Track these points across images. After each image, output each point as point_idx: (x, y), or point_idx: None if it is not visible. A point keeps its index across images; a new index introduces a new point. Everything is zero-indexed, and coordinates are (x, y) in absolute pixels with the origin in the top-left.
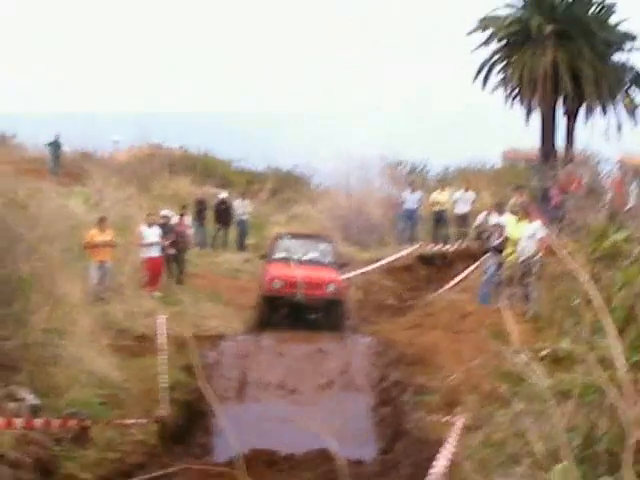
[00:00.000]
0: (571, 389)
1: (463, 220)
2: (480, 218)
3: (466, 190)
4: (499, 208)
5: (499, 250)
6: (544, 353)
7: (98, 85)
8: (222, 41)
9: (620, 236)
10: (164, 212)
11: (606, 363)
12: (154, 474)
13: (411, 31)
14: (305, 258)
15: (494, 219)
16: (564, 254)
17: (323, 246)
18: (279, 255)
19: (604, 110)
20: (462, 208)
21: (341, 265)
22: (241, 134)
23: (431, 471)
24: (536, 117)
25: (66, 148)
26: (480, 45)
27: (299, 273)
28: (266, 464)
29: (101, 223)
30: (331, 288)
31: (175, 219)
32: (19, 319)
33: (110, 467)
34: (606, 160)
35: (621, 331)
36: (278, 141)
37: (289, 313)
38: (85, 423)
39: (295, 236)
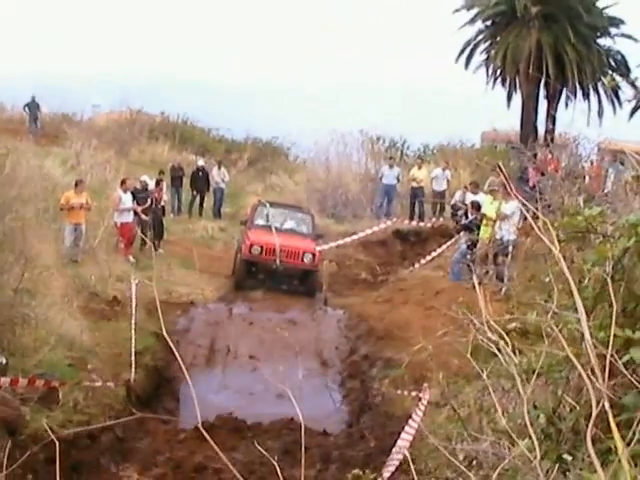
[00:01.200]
0: (538, 366)
1: (440, 197)
2: (456, 196)
3: (444, 168)
4: (474, 187)
5: (472, 228)
6: (512, 326)
7: (80, 47)
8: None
9: (593, 212)
10: (143, 177)
11: (574, 339)
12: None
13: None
14: (284, 227)
15: (469, 197)
16: (538, 233)
17: (301, 216)
18: (259, 222)
19: (586, 95)
20: (439, 186)
21: (317, 236)
22: (223, 104)
23: (396, 444)
24: (517, 99)
25: (45, 109)
26: (465, 24)
27: (278, 241)
28: (231, 431)
29: (78, 185)
30: (308, 258)
31: (152, 185)
32: None
33: (75, 429)
34: (585, 144)
35: (591, 309)
36: (259, 113)
37: (265, 279)
38: (53, 384)
39: (275, 205)
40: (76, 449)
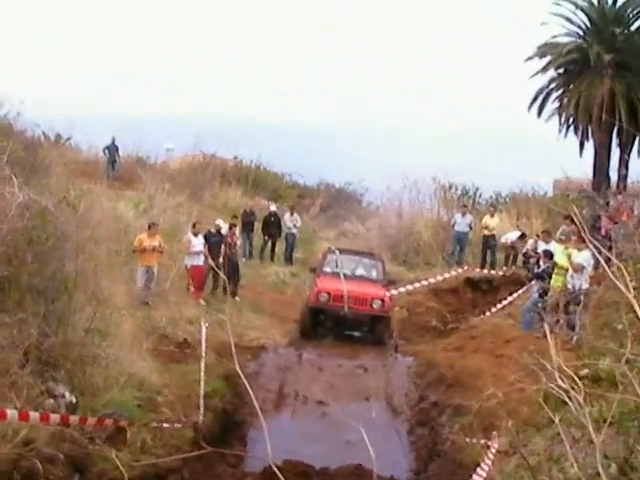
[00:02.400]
0: (610, 415)
1: (512, 247)
2: (529, 245)
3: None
4: (546, 235)
5: (544, 277)
6: (584, 373)
7: (159, 89)
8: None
9: None
10: (217, 221)
11: None
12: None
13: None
14: (354, 273)
15: (542, 246)
16: (612, 278)
17: (372, 263)
18: (328, 269)
19: None
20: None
21: (389, 282)
22: (295, 146)
23: None
24: (589, 147)
25: (120, 153)
26: (538, 72)
27: (346, 287)
28: (299, 475)
29: (151, 228)
30: (377, 304)
31: (225, 229)
32: (62, 317)
33: (143, 469)
34: None
35: None
36: (332, 156)
37: (334, 326)
38: (121, 423)
39: (345, 251)
40: None
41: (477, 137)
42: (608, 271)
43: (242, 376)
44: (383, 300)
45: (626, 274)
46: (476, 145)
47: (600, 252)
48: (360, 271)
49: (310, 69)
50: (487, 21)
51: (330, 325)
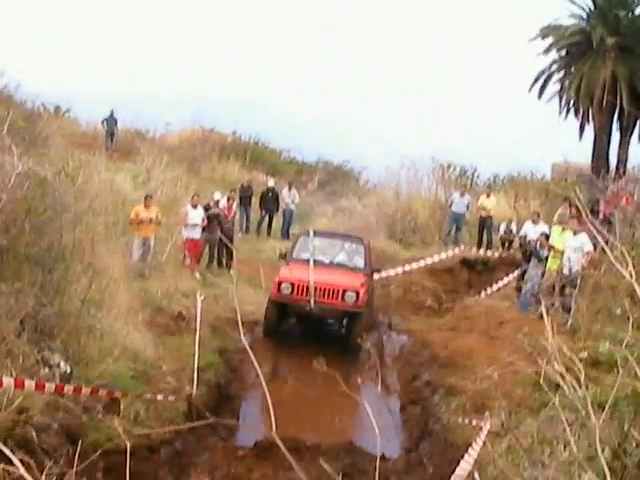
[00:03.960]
0: (605, 399)
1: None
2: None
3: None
4: (536, 217)
5: (541, 259)
6: (583, 355)
7: (154, 68)
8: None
9: None
10: (216, 194)
11: None
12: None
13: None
14: (331, 260)
15: (529, 227)
16: (613, 262)
17: (354, 247)
18: (300, 255)
19: None
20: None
21: (373, 271)
22: (293, 125)
23: (455, 473)
24: (590, 131)
25: (119, 126)
26: (540, 53)
27: (314, 277)
28: (290, 451)
29: (147, 200)
30: (350, 297)
31: (223, 202)
32: (58, 287)
33: (135, 441)
34: None
35: None
36: (330, 136)
37: (300, 324)
38: (115, 394)
39: (322, 234)
40: (135, 460)
41: (477, 120)
42: (610, 254)
43: (245, 341)
44: (358, 293)
45: (628, 258)
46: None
47: (600, 236)
48: (340, 257)
49: (310, 69)
50: (487, 20)
51: (296, 322)
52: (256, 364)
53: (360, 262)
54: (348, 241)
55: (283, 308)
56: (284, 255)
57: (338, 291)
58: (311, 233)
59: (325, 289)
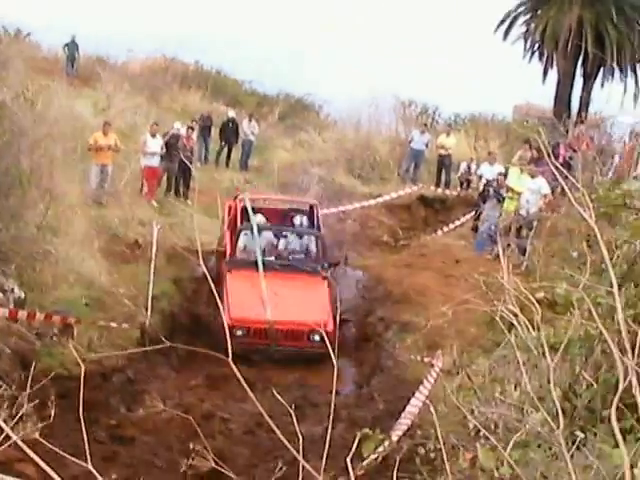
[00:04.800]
0: (558, 341)
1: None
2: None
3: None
4: (492, 158)
5: (499, 199)
6: (540, 296)
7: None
8: None
9: (633, 186)
10: (176, 125)
11: (599, 316)
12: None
13: None
14: (281, 263)
15: (486, 168)
16: (574, 204)
17: (306, 240)
18: (245, 256)
19: (624, 76)
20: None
21: (331, 265)
22: (256, 58)
23: (406, 410)
24: (553, 75)
25: (81, 52)
26: None
27: (271, 314)
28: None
29: (105, 127)
30: (318, 337)
31: (182, 132)
32: (14, 213)
33: (88, 367)
34: (619, 125)
35: (619, 287)
36: (290, 68)
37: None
38: (68, 321)
39: (268, 228)
40: (87, 387)
41: (439, 58)
42: (571, 196)
43: (204, 267)
44: (326, 331)
45: (588, 201)
46: (439, 66)
47: (561, 177)
48: (291, 252)
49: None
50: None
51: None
52: (214, 291)
53: (316, 257)
54: (297, 232)
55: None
56: (221, 253)
57: (302, 332)
58: (255, 227)
59: (287, 330)
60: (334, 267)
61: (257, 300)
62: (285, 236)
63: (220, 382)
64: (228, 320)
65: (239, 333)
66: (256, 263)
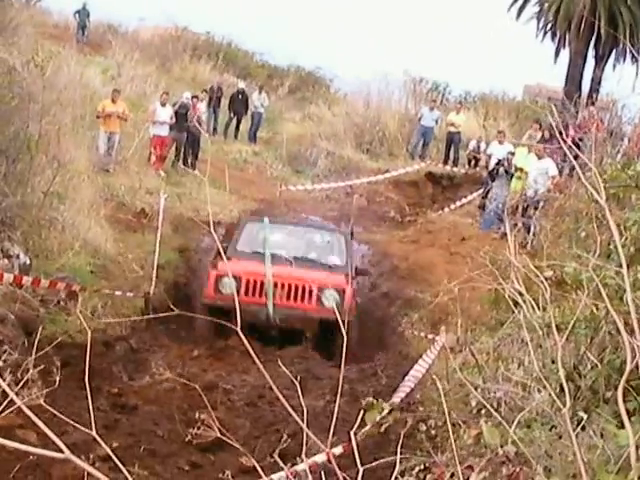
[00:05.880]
0: (563, 321)
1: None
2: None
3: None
4: (501, 136)
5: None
6: (548, 274)
7: None
8: None
9: None
10: (186, 94)
11: (610, 293)
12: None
13: None
14: (294, 256)
15: (493, 146)
16: (585, 183)
17: (327, 239)
18: (247, 249)
19: (635, 59)
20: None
21: (358, 273)
22: (267, 27)
23: (406, 378)
24: (565, 55)
25: (92, 19)
26: None
27: (272, 270)
28: (245, 353)
29: (114, 94)
30: (330, 299)
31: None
32: (21, 178)
33: (91, 335)
34: (630, 107)
35: (628, 267)
36: (304, 41)
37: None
38: (73, 288)
39: (280, 222)
40: (90, 355)
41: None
42: (582, 176)
43: (219, 243)
44: (342, 291)
45: (600, 181)
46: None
47: (571, 155)
48: (308, 253)
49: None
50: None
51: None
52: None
53: (338, 259)
54: (319, 232)
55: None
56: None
57: (311, 289)
58: (266, 220)
59: (291, 286)
60: (365, 274)
61: (254, 264)
62: (300, 232)
63: (223, 353)
64: (214, 273)
65: (226, 290)
66: (260, 255)
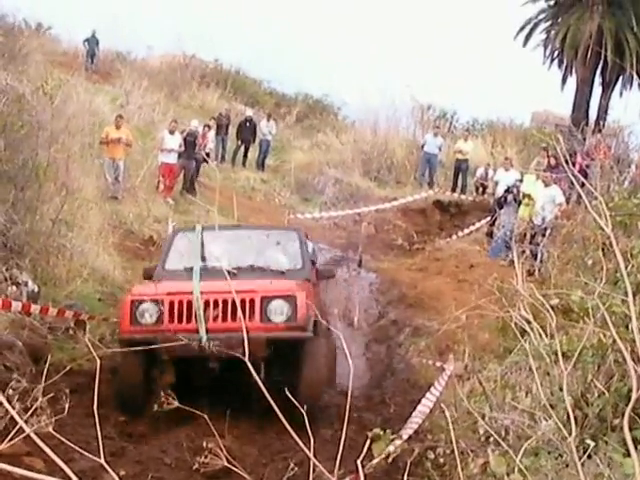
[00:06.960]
0: (570, 348)
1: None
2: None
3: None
4: (508, 164)
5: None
6: (554, 302)
7: None
8: None
9: None
10: (193, 122)
11: (616, 321)
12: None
13: None
14: (237, 266)
15: (499, 174)
16: (590, 211)
17: (277, 240)
18: (178, 266)
19: None
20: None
21: (321, 276)
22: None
23: (416, 409)
24: (572, 83)
25: (100, 47)
26: (527, 1)
27: (201, 287)
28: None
29: (117, 120)
30: (279, 310)
31: (200, 130)
32: (30, 205)
33: (99, 363)
34: (637, 135)
35: (634, 295)
36: (311, 68)
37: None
38: (81, 317)
39: (215, 229)
40: (99, 383)
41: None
42: (588, 204)
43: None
44: (294, 301)
45: (605, 209)
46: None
47: (577, 184)
48: (252, 260)
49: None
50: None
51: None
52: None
53: (290, 263)
54: (265, 233)
55: (147, 354)
56: (149, 272)
57: (253, 302)
58: (198, 228)
59: (227, 302)
60: (329, 277)
61: (180, 282)
62: (243, 235)
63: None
64: (128, 298)
65: (145, 319)
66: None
